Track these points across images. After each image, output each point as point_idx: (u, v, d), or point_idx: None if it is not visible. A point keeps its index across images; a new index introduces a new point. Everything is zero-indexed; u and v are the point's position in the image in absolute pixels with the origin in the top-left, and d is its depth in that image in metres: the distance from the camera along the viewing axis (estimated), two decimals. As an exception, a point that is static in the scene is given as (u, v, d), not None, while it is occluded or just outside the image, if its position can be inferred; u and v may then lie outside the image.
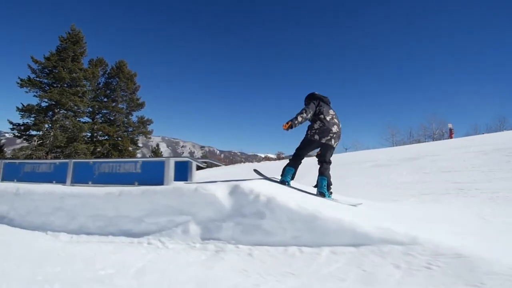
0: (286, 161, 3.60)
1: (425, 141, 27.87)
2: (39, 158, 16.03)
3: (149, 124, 29.17)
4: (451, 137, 22.26)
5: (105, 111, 27.33)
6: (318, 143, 3.23)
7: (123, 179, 3.66)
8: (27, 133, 16.98)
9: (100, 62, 27.16)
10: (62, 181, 4.03)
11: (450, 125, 22.00)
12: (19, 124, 17.14)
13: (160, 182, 3.43)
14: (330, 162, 3.32)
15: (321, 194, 3.12)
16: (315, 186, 3.30)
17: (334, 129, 3.22)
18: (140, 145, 30.44)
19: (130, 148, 26.81)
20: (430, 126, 29.37)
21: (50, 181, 4.13)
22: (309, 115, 3.24)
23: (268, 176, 3.60)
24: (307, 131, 3.33)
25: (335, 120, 3.31)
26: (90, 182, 3.85)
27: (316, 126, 3.22)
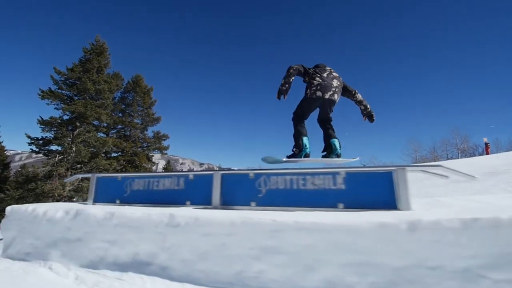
0: None
1: (452, 158, 26.84)
2: (60, 175, 14.61)
3: (164, 139, 27.98)
4: (487, 152, 21.29)
5: (120, 126, 26.20)
6: (321, 100, 3.06)
7: (313, 199, 2.45)
8: (47, 148, 15.62)
9: (116, 76, 26.49)
10: (202, 201, 2.80)
11: (485, 139, 21.02)
12: (37, 138, 15.80)
13: (389, 204, 2.23)
14: (332, 120, 3.29)
15: (338, 156, 3.12)
16: (324, 152, 3.23)
17: (335, 83, 3.11)
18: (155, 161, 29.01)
19: (147, 165, 25.35)
20: (454, 141, 28.45)
21: (180, 203, 2.89)
22: (294, 67, 3.14)
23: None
24: (306, 91, 3.14)
25: (334, 74, 3.19)
26: (253, 203, 2.62)
27: (315, 82, 3.07)
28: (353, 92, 3.37)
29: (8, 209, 2.94)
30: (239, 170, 2.87)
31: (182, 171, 3.10)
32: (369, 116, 3.42)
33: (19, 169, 39.12)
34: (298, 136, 3.09)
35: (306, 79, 3.21)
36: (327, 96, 3.03)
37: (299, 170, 2.60)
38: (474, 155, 22.36)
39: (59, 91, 16.68)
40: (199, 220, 2.09)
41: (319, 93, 3.03)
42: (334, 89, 3.07)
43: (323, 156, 3.24)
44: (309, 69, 3.22)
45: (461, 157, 26.00)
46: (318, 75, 3.10)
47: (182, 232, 2.10)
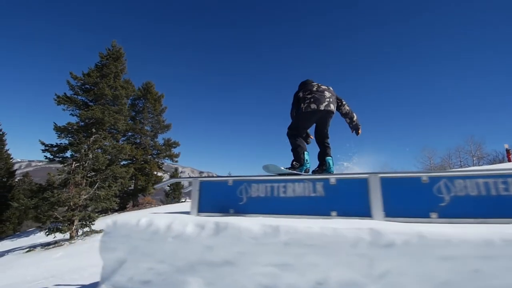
0: None
1: (466, 165, 26.38)
2: (76, 182, 13.93)
3: (175, 147, 27.33)
4: (509, 159, 20.80)
5: (130, 133, 25.61)
6: (318, 112, 2.96)
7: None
8: (62, 155, 14.97)
9: (127, 83, 26.09)
10: (355, 212, 2.27)
11: (506, 146, 20.50)
12: (52, 145, 15.17)
13: None
14: (329, 137, 3.19)
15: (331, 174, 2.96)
16: (317, 171, 3.09)
17: (327, 94, 3.03)
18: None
19: (157, 173, 24.67)
20: (468, 148, 27.99)
21: (321, 213, 2.36)
22: (292, 113, 3.26)
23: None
24: (300, 106, 3.06)
25: (323, 87, 3.11)
26: (433, 215, 2.10)
27: (308, 96, 3.01)
28: (339, 103, 3.24)
29: (110, 223, 2.37)
30: (405, 172, 2.34)
31: (320, 174, 2.56)
32: (355, 129, 3.31)
33: (22, 177, 38.18)
34: (298, 150, 2.98)
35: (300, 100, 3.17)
36: (322, 107, 2.92)
37: (496, 172, 2.09)
38: (495, 162, 21.88)
39: (75, 96, 16.20)
40: (425, 237, 1.56)
41: (313, 106, 2.92)
42: (328, 99, 2.99)
43: (313, 172, 3.11)
44: (298, 93, 3.20)
45: (477, 164, 25.53)
46: (308, 91, 3.05)
47: (400, 255, 1.57)
